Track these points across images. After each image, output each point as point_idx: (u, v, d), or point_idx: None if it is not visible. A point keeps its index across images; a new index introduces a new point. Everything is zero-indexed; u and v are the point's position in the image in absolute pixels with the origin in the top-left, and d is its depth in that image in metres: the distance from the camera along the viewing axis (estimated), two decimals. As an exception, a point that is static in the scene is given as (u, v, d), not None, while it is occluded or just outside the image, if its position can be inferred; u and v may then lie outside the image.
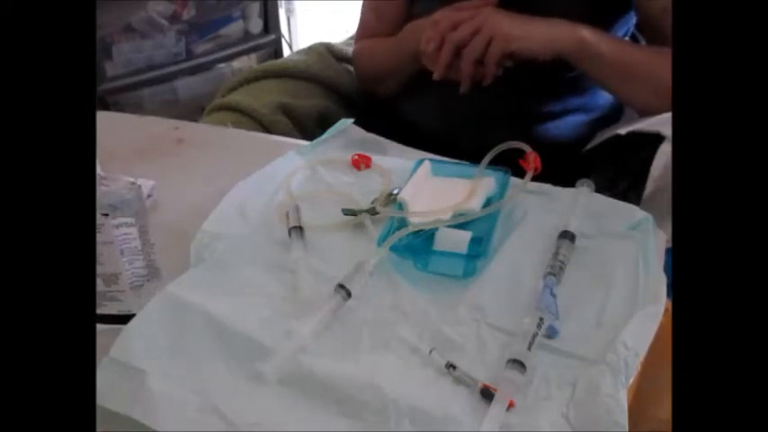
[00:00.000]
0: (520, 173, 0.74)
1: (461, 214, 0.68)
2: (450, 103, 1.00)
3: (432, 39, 0.88)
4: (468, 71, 0.87)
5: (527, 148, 0.73)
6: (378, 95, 1.13)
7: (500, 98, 0.98)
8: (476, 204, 0.70)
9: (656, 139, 0.82)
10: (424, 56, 0.90)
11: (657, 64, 0.89)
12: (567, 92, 1.01)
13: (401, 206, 0.70)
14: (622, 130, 0.88)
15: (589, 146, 0.95)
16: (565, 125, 1.02)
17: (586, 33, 0.87)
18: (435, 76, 0.89)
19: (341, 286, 0.61)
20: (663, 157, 0.81)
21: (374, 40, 1.11)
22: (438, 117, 1.03)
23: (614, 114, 1.06)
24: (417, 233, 0.67)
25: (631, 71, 0.90)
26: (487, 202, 0.72)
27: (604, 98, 1.03)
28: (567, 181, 0.76)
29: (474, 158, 0.77)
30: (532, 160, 0.72)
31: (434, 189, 0.74)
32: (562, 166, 0.79)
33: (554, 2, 0.91)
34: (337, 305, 0.60)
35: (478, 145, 0.76)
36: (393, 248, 0.65)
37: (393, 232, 0.66)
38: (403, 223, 0.68)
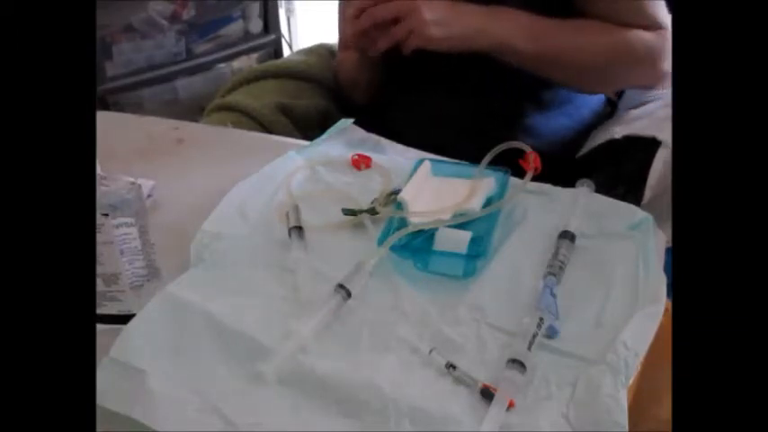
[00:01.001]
0: (519, 173, 0.74)
1: (461, 214, 0.68)
2: (434, 112, 1.01)
3: (355, 6, 0.90)
4: (382, 49, 0.90)
5: (527, 148, 0.73)
6: (358, 103, 1.13)
7: (481, 100, 0.98)
8: (476, 204, 0.70)
9: (652, 143, 0.82)
10: (345, 20, 0.93)
11: (580, 47, 0.91)
12: (545, 85, 1.00)
13: (401, 206, 0.70)
14: (618, 135, 0.88)
15: (585, 148, 0.95)
16: (551, 119, 1.02)
17: (502, 33, 0.89)
18: (350, 35, 0.92)
19: (341, 286, 0.61)
20: (660, 164, 0.81)
21: (347, 50, 1.12)
22: (425, 127, 1.03)
23: (602, 105, 1.06)
24: (417, 233, 0.67)
25: (553, 60, 0.92)
26: (487, 202, 0.72)
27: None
28: (566, 182, 0.76)
29: (469, 160, 0.77)
30: (532, 160, 0.72)
31: (434, 189, 0.74)
32: (559, 164, 0.79)
33: None
34: (337, 305, 0.60)
35: (469, 150, 0.76)
36: (393, 248, 0.65)
37: (393, 232, 0.66)
38: (403, 223, 0.68)
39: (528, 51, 0.90)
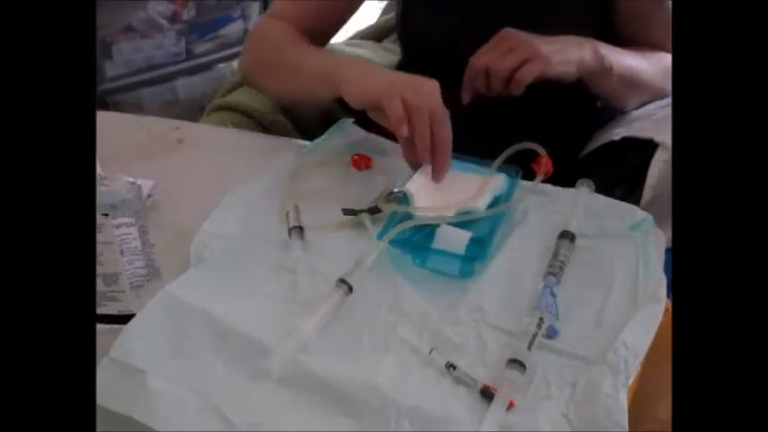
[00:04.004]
0: (525, 173, 0.73)
1: (466, 212, 0.68)
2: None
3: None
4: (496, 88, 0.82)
5: (541, 150, 0.73)
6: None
7: (481, 102, 0.98)
8: (481, 204, 0.70)
9: (649, 145, 0.82)
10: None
11: (653, 71, 0.89)
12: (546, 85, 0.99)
13: (405, 200, 0.70)
14: (616, 137, 0.88)
15: (586, 149, 0.95)
16: (552, 119, 1.01)
17: (601, 48, 0.84)
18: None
19: (342, 281, 0.61)
20: (659, 164, 0.81)
21: (283, 28, 0.92)
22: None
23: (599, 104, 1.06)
24: (419, 229, 0.67)
25: (634, 81, 0.90)
26: (494, 202, 0.71)
27: None
28: (566, 182, 0.76)
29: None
30: (544, 163, 0.72)
31: (441, 183, 0.73)
32: (559, 164, 0.79)
33: (563, 21, 0.89)
34: (339, 300, 0.60)
35: (470, 151, 0.76)
36: (393, 242, 0.65)
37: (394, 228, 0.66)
38: (405, 219, 0.68)
39: (618, 69, 0.85)
